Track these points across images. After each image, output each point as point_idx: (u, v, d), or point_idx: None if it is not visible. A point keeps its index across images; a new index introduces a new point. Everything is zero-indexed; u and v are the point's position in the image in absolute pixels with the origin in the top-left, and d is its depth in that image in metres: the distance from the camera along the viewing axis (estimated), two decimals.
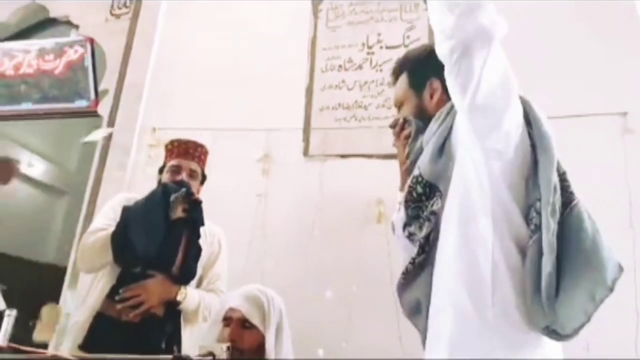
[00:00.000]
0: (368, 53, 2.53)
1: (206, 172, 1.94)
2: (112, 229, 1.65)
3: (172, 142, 1.91)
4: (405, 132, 1.19)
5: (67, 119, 3.08)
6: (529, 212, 0.97)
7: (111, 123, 2.72)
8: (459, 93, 0.97)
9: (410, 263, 1.04)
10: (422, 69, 1.21)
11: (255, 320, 1.36)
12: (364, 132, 2.39)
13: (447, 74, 0.99)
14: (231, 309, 1.39)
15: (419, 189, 1.05)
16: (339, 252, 2.17)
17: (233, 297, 1.43)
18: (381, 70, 2.47)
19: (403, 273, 1.07)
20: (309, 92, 2.54)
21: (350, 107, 2.46)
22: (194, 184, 1.81)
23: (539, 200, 0.96)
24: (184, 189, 1.73)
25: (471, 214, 0.98)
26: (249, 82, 2.62)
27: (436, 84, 1.17)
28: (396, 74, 1.27)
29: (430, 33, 2.44)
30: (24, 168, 5.14)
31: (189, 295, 1.70)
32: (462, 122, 1.02)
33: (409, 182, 1.08)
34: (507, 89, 0.97)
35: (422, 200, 1.05)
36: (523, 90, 1.04)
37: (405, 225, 1.11)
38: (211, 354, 1.00)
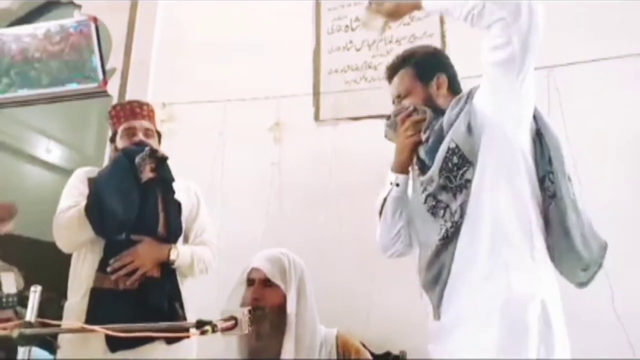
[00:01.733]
0: None
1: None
2: (83, 203, 1.62)
3: (113, 106, 1.88)
4: (415, 118, 1.32)
5: (77, 100, 3.09)
6: (544, 182, 1.19)
7: (121, 101, 2.71)
8: (517, 70, 1.12)
9: (452, 227, 1.18)
10: (429, 63, 1.38)
11: (276, 279, 1.39)
12: (375, 93, 2.33)
13: (502, 55, 1.12)
14: (254, 269, 1.43)
15: (455, 159, 1.19)
16: (355, 215, 2.16)
17: (256, 259, 1.46)
18: (389, 27, 2.39)
19: (442, 238, 1.19)
20: (316, 55, 2.48)
21: (359, 68, 2.40)
22: (152, 142, 1.77)
23: (551, 172, 1.18)
24: (147, 148, 1.69)
25: (507, 177, 1.16)
26: (255, 50, 2.58)
27: (442, 78, 1.34)
28: (396, 68, 1.40)
29: None
30: (42, 154, 5.24)
31: (181, 253, 1.70)
32: (493, 102, 1.18)
33: (442, 151, 1.21)
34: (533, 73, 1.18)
35: (454, 170, 1.19)
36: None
37: (431, 195, 1.23)
38: (233, 318, 1.01)
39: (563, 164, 1.20)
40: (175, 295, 1.69)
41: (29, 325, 1.04)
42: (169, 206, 1.74)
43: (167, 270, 1.70)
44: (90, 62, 2.94)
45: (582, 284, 1.23)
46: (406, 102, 1.36)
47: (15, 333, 0.92)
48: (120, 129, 1.80)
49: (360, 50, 2.43)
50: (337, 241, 2.17)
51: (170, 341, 1.61)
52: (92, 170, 1.78)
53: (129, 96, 2.72)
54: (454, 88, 1.36)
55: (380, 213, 1.42)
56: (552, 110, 1.96)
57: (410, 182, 1.40)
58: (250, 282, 1.43)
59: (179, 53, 2.75)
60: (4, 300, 2.25)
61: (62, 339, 1.57)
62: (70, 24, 3.01)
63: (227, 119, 2.46)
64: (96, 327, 1.01)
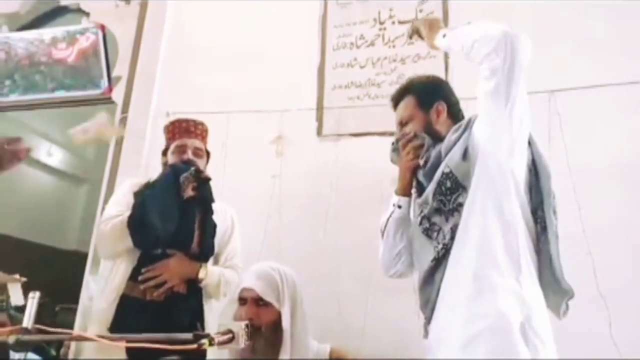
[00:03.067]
0: (380, 29, 2.48)
1: (209, 149, 1.95)
2: (127, 214, 1.67)
3: (172, 122, 1.93)
4: (415, 143, 1.40)
5: (82, 106, 3.10)
6: (537, 211, 1.25)
7: (125, 109, 2.74)
8: (503, 100, 1.19)
9: (442, 248, 1.23)
10: (429, 92, 1.47)
11: (269, 297, 1.38)
12: (377, 110, 2.35)
13: (489, 86, 1.20)
14: (245, 289, 1.42)
15: (448, 184, 1.26)
16: (354, 230, 2.17)
17: (247, 277, 1.45)
18: (394, 46, 2.43)
19: (434, 259, 1.24)
20: (321, 71, 2.51)
21: (362, 85, 2.43)
22: (200, 162, 1.83)
23: (542, 202, 1.24)
24: (192, 168, 1.75)
25: (497, 203, 1.21)
26: (261, 64, 2.60)
27: (442, 106, 1.43)
28: (398, 98, 1.50)
29: (444, 5, 2.39)
30: (44, 157, 5.25)
31: (209, 272, 1.73)
32: (488, 132, 1.24)
33: (437, 175, 1.28)
34: (526, 104, 1.25)
35: (448, 194, 1.26)
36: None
37: (426, 217, 1.30)
38: (230, 331, 1.01)
39: (550, 196, 1.27)
40: (198, 313, 1.71)
41: (26, 331, 1.04)
42: (205, 225, 1.79)
43: (194, 288, 1.72)
44: (96, 69, 2.96)
45: (560, 313, 1.26)
46: (407, 129, 1.45)
47: (11, 339, 0.92)
48: (172, 145, 1.86)
49: (364, 67, 2.45)
50: (334, 256, 2.17)
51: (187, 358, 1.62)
52: (138, 184, 1.83)
53: (134, 104, 2.74)
54: (453, 114, 1.45)
55: (383, 234, 1.47)
56: (552, 134, 1.98)
57: (413, 205, 1.45)
58: (242, 300, 1.42)
59: (185, 63, 2.77)
60: None
61: (85, 348, 1.60)
62: (77, 30, 3.04)
63: (229, 130, 2.48)
64: (93, 336, 1.01)
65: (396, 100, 1.51)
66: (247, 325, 1.06)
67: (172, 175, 1.74)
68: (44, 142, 5.28)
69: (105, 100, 2.93)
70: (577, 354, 1.54)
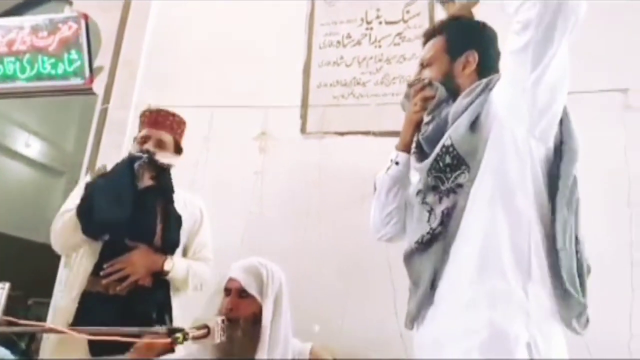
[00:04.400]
0: (367, 28, 2.48)
1: (190, 143, 1.90)
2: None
3: (144, 112, 1.90)
4: (426, 93, 1.19)
5: (62, 96, 3.04)
6: (555, 203, 1.00)
7: (106, 100, 2.69)
8: (530, 63, 0.96)
9: (428, 233, 1.06)
10: (464, 37, 1.21)
11: (252, 290, 1.37)
12: (362, 110, 2.36)
13: (518, 43, 0.97)
14: (231, 280, 1.41)
15: (447, 159, 1.07)
16: (336, 229, 2.17)
17: (233, 268, 1.44)
18: (380, 46, 2.43)
19: (417, 242, 1.08)
20: (307, 68, 2.50)
21: (348, 84, 2.43)
22: (162, 154, 1.77)
23: (556, 194, 1.00)
24: (145, 156, 1.71)
25: (508, 190, 1.01)
26: (246, 59, 2.58)
27: (472, 57, 1.18)
28: (431, 34, 1.26)
29: (431, 8, 2.40)
30: (21, 148, 5.13)
31: (176, 265, 1.70)
32: (507, 98, 1.03)
33: (436, 150, 1.10)
34: (566, 72, 1.00)
35: (446, 171, 1.07)
36: None
37: (421, 192, 1.13)
38: (206, 326, 1.00)
39: (566, 187, 1.02)
40: (165, 307, 1.68)
41: None
42: (167, 217, 1.74)
43: (160, 282, 1.68)
44: (77, 58, 2.91)
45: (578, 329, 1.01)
46: (425, 73, 1.23)
47: None
48: (138, 135, 1.83)
49: (350, 66, 2.45)
50: (314, 254, 2.17)
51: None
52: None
53: (115, 96, 2.69)
54: (484, 70, 1.17)
55: (376, 190, 1.29)
56: None
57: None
58: (227, 291, 1.41)
59: (169, 56, 2.73)
60: None
61: (45, 342, 1.55)
62: (59, 19, 2.98)
63: (213, 124, 2.46)
64: (64, 329, 0.99)
65: (427, 37, 1.27)
66: (223, 321, 1.05)
67: (127, 163, 1.70)
68: (22, 133, 5.17)
69: (86, 90, 2.87)
70: None
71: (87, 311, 1.56)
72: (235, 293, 1.38)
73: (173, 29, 2.80)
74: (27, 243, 4.38)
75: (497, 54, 1.21)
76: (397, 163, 1.24)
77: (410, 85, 1.26)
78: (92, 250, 1.66)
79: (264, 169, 2.37)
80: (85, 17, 2.93)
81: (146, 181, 1.71)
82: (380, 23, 2.47)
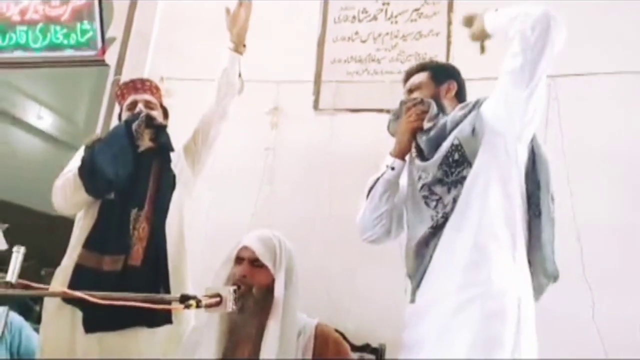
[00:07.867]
0: (383, 4, 2.43)
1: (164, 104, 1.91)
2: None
3: (118, 86, 1.94)
4: (420, 107, 1.41)
5: (74, 67, 3.03)
6: (532, 197, 1.29)
7: (118, 72, 2.67)
8: (525, 81, 1.19)
9: (442, 217, 1.26)
10: (445, 71, 1.51)
11: (266, 260, 1.36)
12: (376, 87, 2.32)
13: (515, 64, 1.20)
14: (244, 248, 1.40)
15: (456, 156, 1.28)
16: (347, 206, 2.15)
17: (248, 237, 1.43)
18: (396, 22, 2.38)
19: (432, 227, 1.27)
20: (321, 43, 2.46)
21: (362, 60, 2.39)
22: (154, 114, 1.78)
23: (539, 189, 1.28)
24: (143, 114, 1.71)
25: (501, 181, 1.25)
26: (259, 33, 2.53)
27: (452, 85, 1.45)
28: (412, 72, 1.51)
29: None
30: (33, 120, 5.15)
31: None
32: (501, 111, 1.26)
33: (445, 147, 1.30)
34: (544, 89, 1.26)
35: (454, 166, 1.28)
36: None
37: (427, 185, 1.31)
38: (218, 295, 1.00)
39: (548, 184, 1.31)
40: (162, 282, 1.65)
41: (10, 286, 1.03)
42: (160, 180, 1.73)
43: (154, 257, 1.66)
44: (89, 29, 2.89)
45: (539, 295, 1.30)
46: (415, 94, 1.46)
47: None
48: (124, 105, 1.84)
49: (365, 42, 2.41)
50: (323, 231, 2.17)
51: (151, 324, 1.59)
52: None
53: (127, 67, 2.68)
54: (460, 96, 1.47)
55: (369, 194, 1.45)
56: (550, 119, 1.96)
57: (405, 173, 1.45)
58: (239, 260, 1.40)
59: (182, 28, 2.70)
60: None
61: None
62: None
63: None
64: (79, 294, 0.99)
65: (409, 75, 1.51)
66: (235, 290, 1.05)
67: (124, 126, 1.70)
68: (33, 105, 5.18)
69: (99, 62, 2.86)
70: (559, 334, 1.57)
71: (80, 287, 1.55)
72: (249, 262, 1.37)
73: (187, 1, 2.76)
74: (39, 215, 4.44)
75: (465, 85, 1.50)
76: (392, 169, 1.42)
77: (402, 104, 1.46)
78: (91, 210, 1.68)
79: (276, 144, 2.36)
80: None
81: (146, 142, 1.71)
82: None
